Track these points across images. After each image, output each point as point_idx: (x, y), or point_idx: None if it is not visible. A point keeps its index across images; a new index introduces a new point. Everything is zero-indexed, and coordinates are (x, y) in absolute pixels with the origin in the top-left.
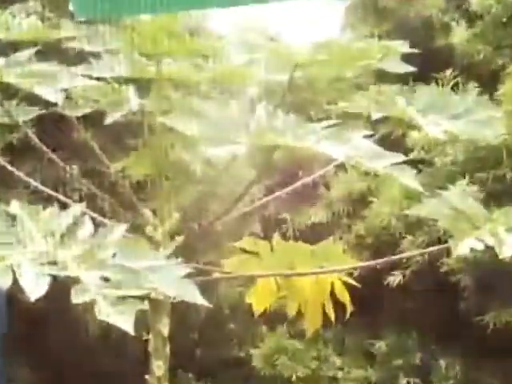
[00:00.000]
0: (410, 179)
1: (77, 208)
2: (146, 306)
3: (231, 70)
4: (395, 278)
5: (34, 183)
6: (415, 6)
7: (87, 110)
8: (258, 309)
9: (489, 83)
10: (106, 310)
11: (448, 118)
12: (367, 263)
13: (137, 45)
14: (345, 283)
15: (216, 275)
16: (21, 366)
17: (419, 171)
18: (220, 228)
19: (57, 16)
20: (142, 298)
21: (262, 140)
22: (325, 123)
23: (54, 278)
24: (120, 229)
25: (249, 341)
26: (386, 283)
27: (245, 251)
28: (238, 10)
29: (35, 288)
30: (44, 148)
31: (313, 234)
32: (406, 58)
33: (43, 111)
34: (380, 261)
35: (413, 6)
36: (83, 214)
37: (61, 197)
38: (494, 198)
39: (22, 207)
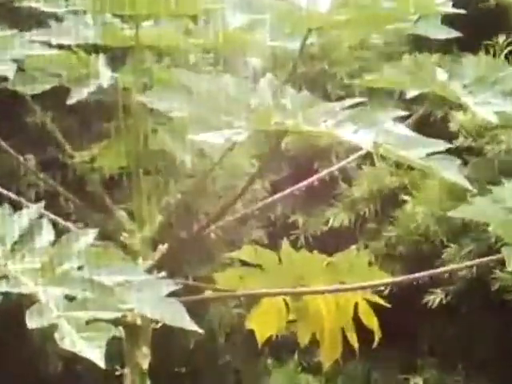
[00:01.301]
0: (453, 173)
1: (33, 209)
2: (120, 331)
3: (228, 35)
4: (435, 298)
5: None
6: None
7: (46, 87)
8: (261, 336)
9: None
10: (71, 336)
11: (502, 95)
12: (400, 278)
13: (109, 4)
14: (372, 304)
15: (208, 293)
16: None
17: (465, 163)
18: (214, 234)
19: None
20: (115, 322)
21: (267, 123)
22: (346, 102)
23: (6, 296)
24: (88, 235)
25: (250, 377)
26: (423, 303)
27: (245, 263)
28: None
29: None
30: None
31: (331, 242)
32: (450, 21)
33: None
34: (416, 275)
35: None
36: (41, 216)
37: (13, 195)
38: None
39: None
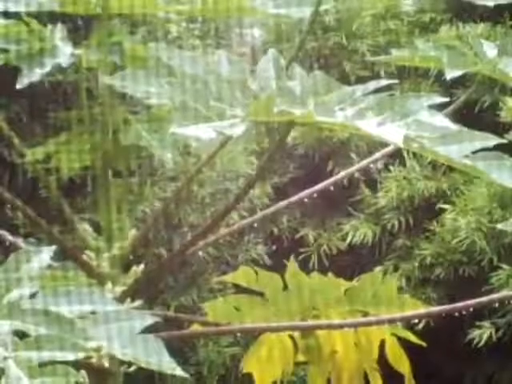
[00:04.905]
0: (506, 174)
1: None
2: (83, 377)
3: (219, 1)
4: (483, 333)
5: None
6: None
7: None
8: (262, 381)
9: None
10: (21, 383)
11: None
12: (438, 309)
13: None
14: (402, 341)
15: (195, 328)
16: None
17: None
18: (203, 252)
19: None
20: (77, 365)
21: (269, 113)
22: (369, 85)
23: None
24: (43, 254)
25: None
26: (468, 340)
27: (241, 289)
28: None
29: None
30: None
31: (351, 263)
32: None
33: None
34: (459, 305)
35: None
36: None
37: None
38: None
39: None
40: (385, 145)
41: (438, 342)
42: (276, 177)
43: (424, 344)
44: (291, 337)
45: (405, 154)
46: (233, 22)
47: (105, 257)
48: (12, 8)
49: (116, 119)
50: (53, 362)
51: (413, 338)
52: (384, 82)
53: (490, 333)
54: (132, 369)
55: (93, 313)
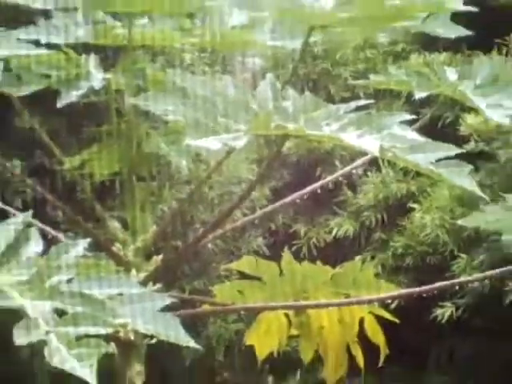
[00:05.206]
0: (464, 179)
1: (20, 218)
2: (112, 348)
3: (226, 35)
4: (445, 312)
5: None
6: None
7: (34, 88)
8: (261, 352)
9: None
10: (61, 353)
11: None
12: (408, 291)
13: (100, 0)
14: (378, 318)
15: (206, 307)
16: None
17: (477, 168)
18: (212, 244)
19: None
20: (107, 338)
21: (267, 127)
22: (351, 104)
23: None
24: (78, 246)
25: None
26: (432, 318)
27: (244, 275)
28: None
29: None
30: None
31: (335, 253)
32: (460, 19)
33: None
34: (425, 288)
35: None
36: (29, 225)
37: None
38: None
39: None
40: (364, 154)
41: (408, 319)
42: (273, 181)
43: (397, 321)
44: (286, 315)
45: (380, 162)
46: (237, 52)
47: (130, 248)
48: (54, 40)
49: (139, 133)
50: (87, 336)
51: (387, 316)
52: (363, 102)
53: (452, 311)
54: (153, 341)
55: (120, 294)
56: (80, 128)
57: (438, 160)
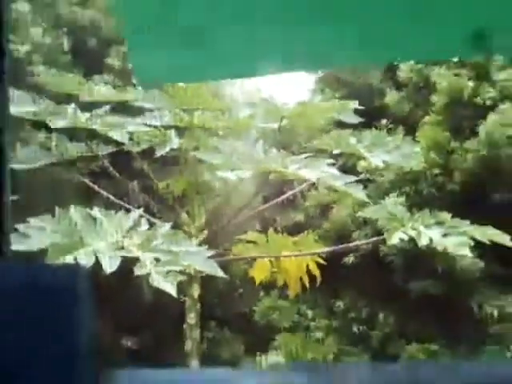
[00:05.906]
0: (359, 193)
1: (137, 212)
2: (183, 277)
3: (239, 120)
4: (349, 259)
5: (108, 196)
6: (362, 78)
7: (144, 147)
8: (258, 279)
9: (411, 128)
10: (158, 280)
11: (384, 152)
12: (331, 248)
13: (177, 102)
14: (316, 262)
15: (229, 257)
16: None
17: (365, 187)
18: (232, 226)
19: (124, 84)
20: (181, 272)
21: (261, 167)
22: (303, 156)
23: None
24: (166, 226)
25: (252, 301)
26: (343, 262)
27: (248, 241)
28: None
29: (110, 265)
30: (115, 173)
31: (294, 230)
32: (356, 112)
33: (115, 149)
34: (339, 247)
35: (360, 78)
36: (141, 216)
37: (126, 205)
38: (416, 205)
39: (101, 212)
40: (309, 180)
41: (331, 263)
42: (264, 193)
43: (325, 263)
44: (270, 261)
45: (317, 184)
46: (244, 129)
47: (192, 227)
48: (154, 123)
49: (196, 170)
50: (171, 271)
51: (321, 261)
52: (309, 155)
53: (352, 259)
54: (204, 274)
55: (187, 250)
56: (167, 167)
57: (346, 183)
